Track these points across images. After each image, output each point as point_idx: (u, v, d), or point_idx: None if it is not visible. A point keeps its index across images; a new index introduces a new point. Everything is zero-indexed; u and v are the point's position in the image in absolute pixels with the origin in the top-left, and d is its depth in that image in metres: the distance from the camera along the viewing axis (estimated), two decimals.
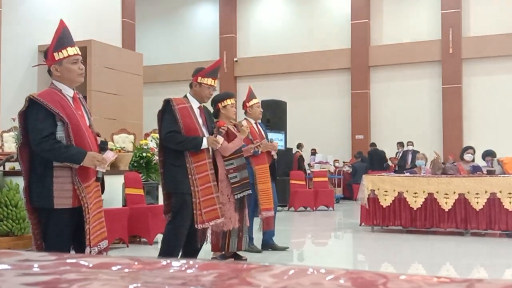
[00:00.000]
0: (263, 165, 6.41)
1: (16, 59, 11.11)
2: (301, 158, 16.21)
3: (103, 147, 3.60)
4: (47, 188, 3.38)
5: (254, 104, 6.59)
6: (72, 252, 3.61)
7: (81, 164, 3.38)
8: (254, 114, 6.58)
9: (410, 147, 15.68)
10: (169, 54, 20.11)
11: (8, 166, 7.67)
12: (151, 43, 20.22)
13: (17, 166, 7.44)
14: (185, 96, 4.72)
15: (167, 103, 4.58)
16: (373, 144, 16.74)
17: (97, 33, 11.39)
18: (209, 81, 4.68)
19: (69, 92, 3.52)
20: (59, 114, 3.38)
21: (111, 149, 3.61)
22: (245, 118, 6.61)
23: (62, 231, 3.46)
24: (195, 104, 4.66)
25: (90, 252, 3.46)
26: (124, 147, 8.34)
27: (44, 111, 3.36)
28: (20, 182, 6.55)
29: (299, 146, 16.49)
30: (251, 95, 6.66)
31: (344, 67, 18.46)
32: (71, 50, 3.53)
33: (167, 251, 4.57)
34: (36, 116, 3.37)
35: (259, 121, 6.76)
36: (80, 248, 3.55)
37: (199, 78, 4.68)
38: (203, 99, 4.72)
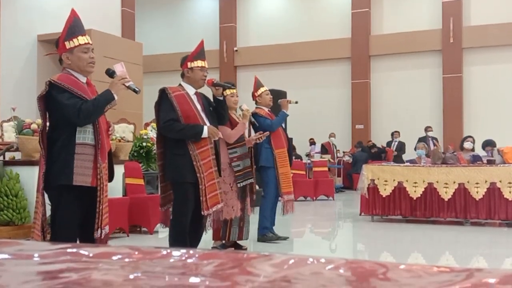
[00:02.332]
0: (282, 149, 6.54)
1: (15, 49, 11.08)
2: (323, 148, 16.15)
3: (110, 72, 3.66)
4: (68, 164, 3.42)
5: (263, 92, 6.65)
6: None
7: (114, 95, 3.49)
8: (264, 102, 6.63)
9: (430, 133, 14.93)
10: (169, 43, 20.03)
11: (8, 155, 7.66)
12: (151, 33, 20.15)
13: (17, 156, 7.45)
14: (180, 85, 4.69)
15: (163, 92, 4.54)
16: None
17: (96, 22, 11.35)
18: (199, 63, 4.62)
19: (82, 78, 3.59)
20: (81, 95, 3.47)
21: (114, 71, 3.66)
22: (256, 107, 6.63)
23: (74, 213, 3.47)
24: (191, 91, 4.61)
25: (101, 233, 3.49)
26: (124, 137, 8.34)
27: (67, 93, 3.44)
28: (20, 171, 6.57)
29: (330, 136, 16.52)
30: (258, 84, 6.71)
31: (344, 57, 18.40)
32: (82, 39, 3.56)
33: (176, 243, 4.56)
34: (62, 96, 3.44)
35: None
36: (84, 234, 3.56)
37: (189, 63, 4.63)
38: (198, 83, 4.65)
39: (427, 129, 15.11)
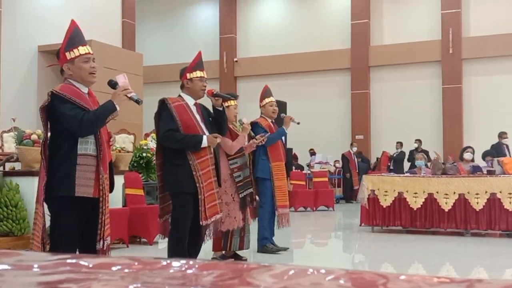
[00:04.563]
0: (279, 162, 6.51)
1: (15, 59, 11.11)
2: (344, 158, 15.98)
3: (112, 83, 3.67)
4: (70, 175, 3.41)
5: (267, 103, 6.63)
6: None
7: (116, 106, 3.48)
8: (266, 113, 6.63)
9: (505, 140, 12.22)
10: (169, 54, 20.09)
11: (8, 166, 7.66)
12: (151, 43, 20.21)
13: (17, 166, 7.45)
14: (179, 96, 4.70)
15: (162, 102, 4.56)
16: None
17: (97, 33, 11.39)
18: (198, 73, 4.65)
19: (83, 89, 3.59)
20: (83, 105, 3.46)
21: (116, 82, 3.66)
22: (261, 116, 6.65)
23: (74, 224, 3.46)
24: (190, 101, 4.63)
25: (103, 244, 3.47)
26: (124, 147, 8.34)
27: (69, 104, 3.43)
28: (20, 182, 6.56)
29: (352, 144, 16.37)
30: (265, 94, 6.70)
31: (344, 67, 18.45)
32: (83, 49, 3.57)
33: (175, 255, 4.53)
34: (64, 107, 3.43)
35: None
36: (85, 246, 3.55)
37: (188, 74, 4.65)
38: (198, 93, 4.67)
39: (502, 135, 12.62)
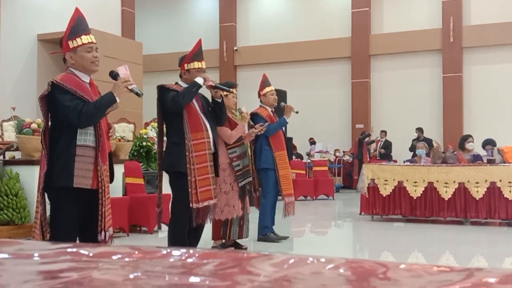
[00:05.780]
0: (282, 151, 6.55)
1: (15, 48, 11.08)
2: (360, 141, 15.75)
3: (113, 75, 3.65)
4: (69, 166, 3.40)
5: (268, 92, 6.64)
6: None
7: (116, 98, 3.46)
8: (268, 102, 6.63)
9: None
10: (169, 42, 20.01)
11: (8, 155, 7.66)
12: (151, 32, 20.14)
13: (17, 155, 7.45)
14: (176, 83, 4.67)
15: (162, 86, 4.55)
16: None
17: (96, 22, 11.31)
18: (195, 64, 4.60)
19: (85, 78, 3.57)
20: (83, 96, 3.44)
21: (117, 74, 3.64)
22: (260, 106, 6.64)
23: (73, 214, 3.46)
24: None
25: (105, 235, 3.48)
26: (124, 136, 8.33)
27: (69, 95, 3.42)
28: (20, 171, 6.57)
29: (363, 133, 16.09)
30: (264, 83, 6.70)
31: (344, 56, 18.40)
32: (85, 38, 3.55)
33: (175, 243, 4.53)
34: (63, 97, 3.41)
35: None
36: (85, 237, 3.55)
37: (186, 65, 4.62)
38: None
39: None
